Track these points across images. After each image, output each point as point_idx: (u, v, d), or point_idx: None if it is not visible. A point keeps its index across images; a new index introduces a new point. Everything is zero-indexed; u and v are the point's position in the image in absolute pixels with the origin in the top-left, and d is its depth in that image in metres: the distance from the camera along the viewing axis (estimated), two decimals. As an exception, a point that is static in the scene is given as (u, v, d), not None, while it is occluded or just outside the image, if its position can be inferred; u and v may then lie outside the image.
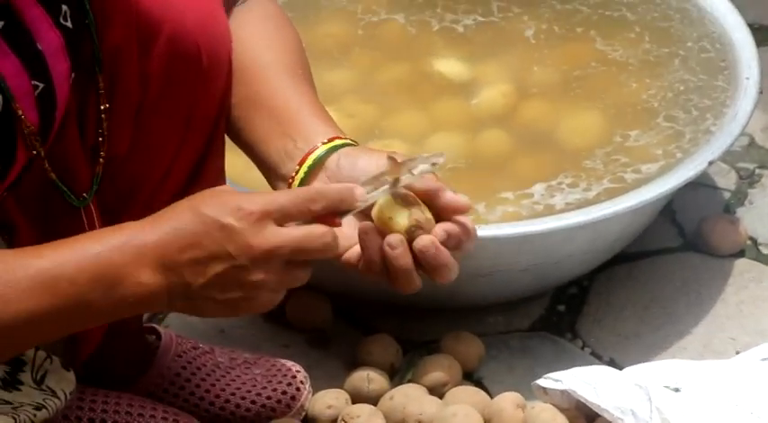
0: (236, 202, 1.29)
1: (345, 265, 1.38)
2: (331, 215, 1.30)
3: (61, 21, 1.39)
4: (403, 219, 1.32)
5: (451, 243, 1.33)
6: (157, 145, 1.59)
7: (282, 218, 1.28)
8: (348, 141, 1.47)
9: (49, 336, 1.39)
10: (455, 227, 1.34)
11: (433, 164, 1.33)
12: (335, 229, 1.31)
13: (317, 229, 1.29)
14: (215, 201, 1.30)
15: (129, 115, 1.53)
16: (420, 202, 1.33)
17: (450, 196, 1.36)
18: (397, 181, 1.32)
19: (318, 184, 1.47)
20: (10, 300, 1.26)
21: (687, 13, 2.24)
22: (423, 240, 1.31)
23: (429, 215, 1.32)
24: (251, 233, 1.28)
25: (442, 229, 1.33)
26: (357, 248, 1.37)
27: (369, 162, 1.42)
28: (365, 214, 1.36)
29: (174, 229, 1.30)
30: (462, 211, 1.36)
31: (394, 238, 1.32)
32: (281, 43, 1.60)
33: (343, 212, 1.31)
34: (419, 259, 1.33)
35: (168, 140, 1.59)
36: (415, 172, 1.31)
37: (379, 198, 1.32)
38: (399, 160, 1.35)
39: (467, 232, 1.34)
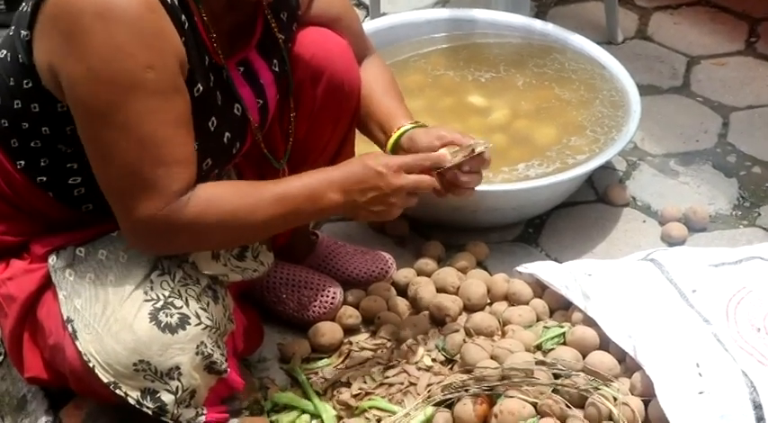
0: (385, 159, 1.66)
1: (433, 193, 1.69)
2: (430, 169, 1.69)
3: (272, 67, 1.78)
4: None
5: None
6: (319, 134, 1.96)
7: (408, 170, 1.67)
8: (421, 123, 1.83)
9: (278, 230, 1.70)
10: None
11: (486, 147, 1.74)
12: (432, 177, 1.70)
13: (425, 177, 1.69)
14: (373, 159, 1.66)
15: (305, 118, 1.92)
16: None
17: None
18: (472, 152, 1.71)
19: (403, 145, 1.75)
20: (259, 208, 1.60)
21: (603, 76, 2.66)
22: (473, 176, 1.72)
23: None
24: (392, 177, 1.64)
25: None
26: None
27: (427, 134, 1.78)
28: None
29: (351, 172, 1.65)
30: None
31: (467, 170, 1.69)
32: (385, 81, 1.99)
33: (437, 168, 1.70)
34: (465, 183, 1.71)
35: (325, 132, 1.96)
36: (477, 150, 1.73)
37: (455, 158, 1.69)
38: (469, 143, 1.72)
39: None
